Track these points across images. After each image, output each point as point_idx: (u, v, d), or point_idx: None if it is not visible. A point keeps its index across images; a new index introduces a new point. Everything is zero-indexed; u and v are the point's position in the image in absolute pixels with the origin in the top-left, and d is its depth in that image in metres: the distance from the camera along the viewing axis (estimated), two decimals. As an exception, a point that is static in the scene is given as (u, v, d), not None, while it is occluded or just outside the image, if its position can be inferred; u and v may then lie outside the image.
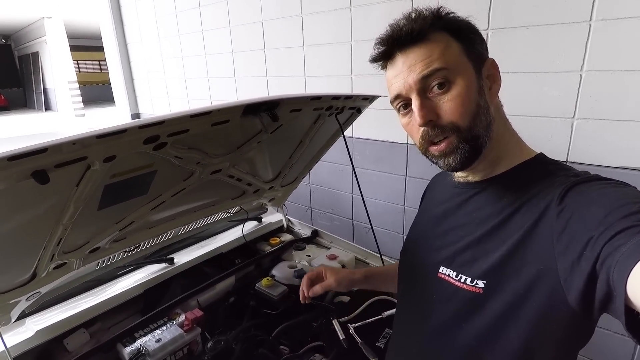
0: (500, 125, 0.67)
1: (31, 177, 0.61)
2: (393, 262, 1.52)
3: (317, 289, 0.97)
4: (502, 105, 0.69)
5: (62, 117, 11.63)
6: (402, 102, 0.66)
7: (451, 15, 0.64)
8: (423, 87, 0.61)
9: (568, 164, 1.43)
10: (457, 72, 0.60)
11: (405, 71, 0.62)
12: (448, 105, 0.61)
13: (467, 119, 0.61)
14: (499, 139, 0.66)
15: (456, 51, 0.61)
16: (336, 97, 1.09)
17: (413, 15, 0.63)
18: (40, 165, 0.61)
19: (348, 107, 1.21)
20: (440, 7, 0.64)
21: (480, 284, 0.63)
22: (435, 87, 0.61)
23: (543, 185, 0.61)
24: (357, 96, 1.16)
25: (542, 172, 0.63)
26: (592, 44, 1.27)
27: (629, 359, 1.48)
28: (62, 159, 0.63)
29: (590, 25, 1.27)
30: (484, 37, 0.67)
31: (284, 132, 1.13)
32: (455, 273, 0.67)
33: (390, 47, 0.63)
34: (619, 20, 1.21)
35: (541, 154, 0.68)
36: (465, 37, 0.63)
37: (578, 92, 1.34)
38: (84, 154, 0.66)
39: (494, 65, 0.66)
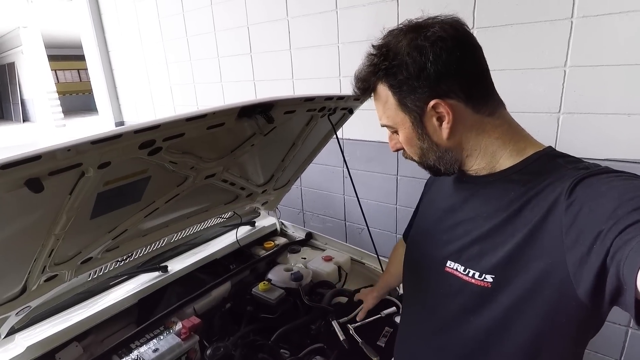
0: (481, 139, 0.66)
1: (24, 186, 0.59)
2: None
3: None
4: (488, 115, 0.66)
5: (41, 128, 11.34)
6: None
7: (389, 60, 0.64)
8: None
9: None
10: (397, 126, 0.70)
11: None
12: (402, 145, 0.72)
13: (416, 157, 0.72)
14: (483, 149, 0.66)
15: (393, 107, 0.67)
16: (329, 98, 1.10)
17: (368, 56, 0.68)
18: (34, 173, 0.59)
19: (340, 107, 1.21)
20: (383, 49, 0.65)
21: (489, 278, 0.63)
22: (390, 132, 0.73)
23: (552, 178, 0.60)
24: (349, 96, 1.17)
25: (550, 165, 0.63)
26: (575, 41, 1.31)
27: (620, 348, 1.52)
28: (56, 166, 0.62)
29: (572, 22, 1.30)
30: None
31: (277, 134, 1.12)
32: (462, 267, 0.67)
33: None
34: (599, 16, 1.24)
35: (550, 147, 0.67)
36: (403, 86, 0.64)
37: (563, 88, 1.37)
38: (78, 160, 0.64)
39: (437, 106, 0.63)
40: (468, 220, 0.70)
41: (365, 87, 0.70)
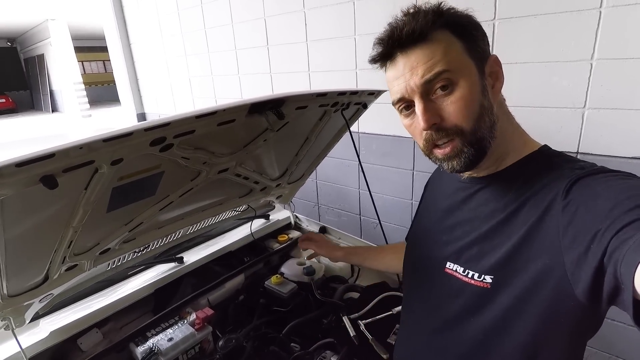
0: (504, 121, 0.66)
1: (40, 182, 0.62)
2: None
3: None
4: (504, 100, 0.68)
5: (69, 118, 11.75)
6: (405, 104, 0.64)
7: (452, 10, 0.62)
8: (426, 90, 0.60)
9: (579, 155, 1.41)
10: (460, 73, 0.59)
11: (407, 73, 0.60)
12: (452, 107, 0.60)
13: (471, 121, 0.60)
14: (503, 136, 0.65)
15: (458, 50, 0.60)
16: (342, 93, 1.08)
17: (412, 11, 0.61)
18: (49, 170, 0.61)
19: (354, 102, 1.20)
20: (441, 2, 0.62)
21: (488, 279, 0.63)
22: (439, 90, 0.60)
23: (548, 178, 0.60)
24: (363, 91, 1.15)
25: (546, 165, 0.63)
26: (603, 32, 1.24)
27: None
28: (70, 164, 0.63)
29: (600, 12, 1.24)
30: (491, 27, 0.66)
31: (290, 129, 1.12)
32: (462, 268, 0.68)
33: (390, 47, 0.61)
34: (630, 6, 1.17)
35: (545, 145, 0.67)
36: (467, 34, 0.61)
37: (589, 82, 1.31)
38: (91, 157, 0.66)
39: (496, 62, 0.64)
40: (467, 221, 0.71)
41: (427, 26, 0.58)
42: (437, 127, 0.61)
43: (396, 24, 0.60)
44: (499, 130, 0.64)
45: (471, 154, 0.61)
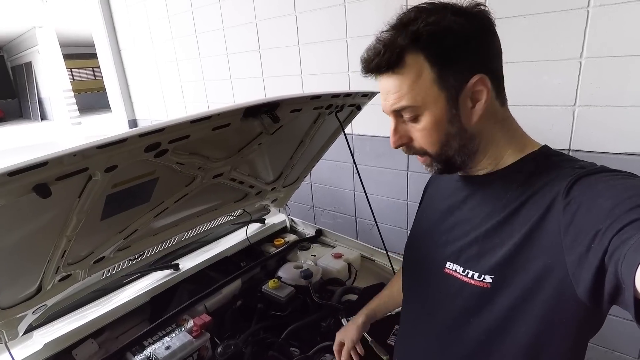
0: (495, 130, 0.65)
1: (32, 191, 0.60)
2: (398, 257, 1.51)
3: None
4: (501, 106, 0.65)
5: (58, 126, 11.59)
6: None
7: (436, 26, 0.57)
8: (397, 114, 0.65)
9: (571, 152, 1.42)
10: (426, 107, 0.61)
11: (383, 95, 0.65)
12: (417, 134, 0.64)
13: (436, 147, 0.64)
14: (496, 142, 0.65)
15: (427, 83, 0.59)
16: (335, 95, 1.08)
17: (386, 38, 0.59)
18: (42, 178, 0.60)
19: (347, 104, 1.20)
20: (421, 15, 0.58)
21: (488, 279, 0.62)
22: (407, 117, 0.64)
23: (549, 178, 0.60)
24: (357, 93, 1.15)
25: (547, 164, 0.62)
26: (591, 31, 1.26)
27: (639, 346, 1.48)
28: (63, 172, 0.62)
29: (588, 11, 1.25)
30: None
31: (285, 132, 1.12)
32: (462, 268, 0.67)
33: (366, 71, 0.65)
34: (617, 5, 1.19)
35: (545, 146, 0.67)
36: (444, 57, 0.58)
37: (578, 80, 1.33)
38: (85, 165, 0.65)
39: (482, 82, 0.60)
40: (466, 220, 0.70)
41: (393, 58, 0.58)
42: (407, 146, 0.67)
43: (367, 53, 0.63)
44: (488, 139, 0.65)
45: (440, 168, 0.68)
